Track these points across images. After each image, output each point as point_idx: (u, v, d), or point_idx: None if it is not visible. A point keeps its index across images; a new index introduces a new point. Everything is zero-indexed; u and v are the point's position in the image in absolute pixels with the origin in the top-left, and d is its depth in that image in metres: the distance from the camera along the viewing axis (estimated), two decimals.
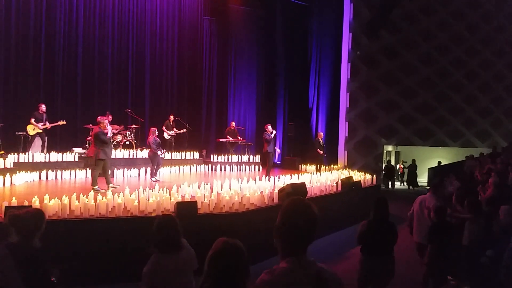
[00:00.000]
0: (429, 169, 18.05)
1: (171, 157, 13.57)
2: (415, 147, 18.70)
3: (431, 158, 19.60)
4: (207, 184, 8.44)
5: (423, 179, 19.02)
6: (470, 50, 17.77)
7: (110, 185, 8.74)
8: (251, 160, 14.79)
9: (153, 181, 10.44)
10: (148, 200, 6.42)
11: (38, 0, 13.41)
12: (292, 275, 1.84)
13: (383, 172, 17.57)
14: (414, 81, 17.11)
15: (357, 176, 11.47)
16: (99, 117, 8.85)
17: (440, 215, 5.06)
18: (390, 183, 17.79)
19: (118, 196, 6.52)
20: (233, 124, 15.59)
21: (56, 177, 10.52)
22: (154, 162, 10.66)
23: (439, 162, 18.33)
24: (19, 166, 9.93)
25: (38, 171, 10.31)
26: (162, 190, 7.37)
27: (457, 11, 17.67)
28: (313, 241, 1.94)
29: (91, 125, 12.14)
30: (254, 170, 14.47)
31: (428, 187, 17.22)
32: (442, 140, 17.66)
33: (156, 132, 10.79)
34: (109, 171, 9.28)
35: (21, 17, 13.07)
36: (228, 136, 15.05)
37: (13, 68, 12.91)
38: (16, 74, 12.97)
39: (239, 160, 14.61)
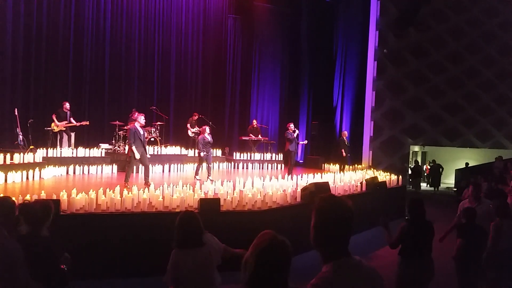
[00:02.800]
0: (457, 170, 17.59)
1: (194, 154, 13.69)
2: (443, 148, 18.26)
3: (459, 159, 19.11)
4: (229, 181, 8.47)
5: (450, 180, 18.56)
6: (501, 48, 17.18)
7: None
8: (273, 158, 14.75)
9: (209, 179, 9.78)
10: (172, 196, 6.49)
11: (67, 0, 13.75)
12: (337, 282, 1.77)
13: (410, 173, 17.23)
14: (442, 80, 16.67)
15: (382, 176, 11.27)
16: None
17: (469, 217, 4.92)
18: (417, 184, 17.42)
19: (143, 192, 6.62)
20: (255, 122, 15.57)
21: (83, 172, 10.76)
22: (200, 161, 10.24)
23: (467, 164, 17.84)
24: (47, 161, 10.21)
25: (66, 166, 10.56)
26: (186, 186, 7.44)
27: (488, 8, 17.10)
28: (350, 237, 1.87)
29: (117, 122, 12.38)
30: (277, 168, 14.43)
31: (455, 189, 16.81)
32: (470, 141, 17.16)
33: (207, 130, 10.37)
34: (135, 167, 9.39)
35: (51, 16, 13.40)
36: (251, 134, 15.06)
37: (43, 66, 13.27)
38: (46, 71, 13.33)
39: (262, 158, 14.60)
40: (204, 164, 10.31)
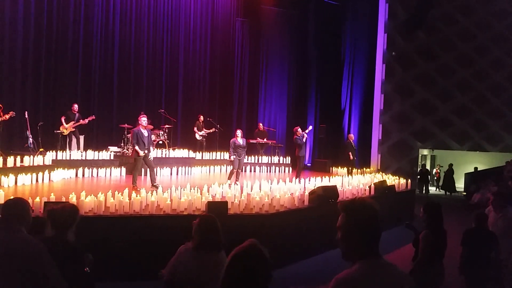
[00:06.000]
0: (466, 174, 17.41)
1: (202, 157, 13.75)
2: (452, 151, 18.09)
3: (468, 163, 18.91)
4: (237, 184, 8.47)
5: (459, 184, 18.38)
6: (511, 50, 17.01)
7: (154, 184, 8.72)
8: (281, 162, 14.73)
9: (237, 184, 9.48)
10: (180, 199, 6.50)
11: (77, 3, 13.88)
12: (365, 279, 1.81)
13: (418, 177, 17.10)
14: (452, 83, 16.56)
15: (391, 180, 11.20)
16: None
17: (480, 222, 4.85)
18: (424, 187, 17.30)
19: (152, 194, 6.64)
20: (261, 125, 15.57)
21: (92, 175, 10.82)
22: (233, 165, 9.99)
23: (476, 168, 17.64)
24: (57, 163, 10.27)
25: (75, 169, 10.63)
26: (194, 189, 7.45)
27: (497, 11, 16.95)
28: (379, 239, 1.92)
29: (126, 125, 12.45)
30: (284, 171, 14.41)
31: (464, 193, 16.63)
32: (480, 145, 16.99)
33: (239, 134, 10.05)
34: (142, 169, 9.39)
35: (61, 21, 13.55)
36: (258, 138, 15.07)
37: (53, 69, 13.40)
38: (55, 75, 13.46)
39: (269, 161, 14.58)
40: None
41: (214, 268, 3.22)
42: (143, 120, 8.69)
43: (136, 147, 8.47)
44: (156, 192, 7.00)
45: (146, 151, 8.52)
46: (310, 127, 12.31)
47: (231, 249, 3.36)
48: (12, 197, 3.23)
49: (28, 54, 12.82)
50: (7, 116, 9.74)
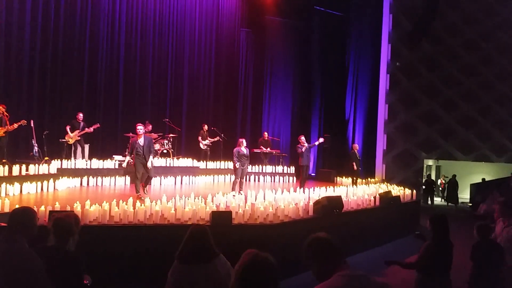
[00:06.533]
0: (472, 185, 17.29)
1: (206, 166, 13.74)
2: (457, 162, 18.00)
3: (473, 174, 18.79)
4: (241, 194, 8.44)
5: (465, 195, 18.24)
6: None
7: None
8: (285, 171, 14.70)
9: (241, 193, 9.38)
10: (184, 208, 6.49)
11: (83, 13, 14.01)
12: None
13: (423, 187, 17.01)
14: (456, 93, 16.52)
15: (396, 190, 11.14)
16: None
17: (483, 233, 4.80)
18: (429, 198, 17.18)
19: (156, 204, 6.64)
20: (266, 134, 15.59)
21: (96, 184, 10.84)
22: (236, 175, 9.94)
23: (483, 179, 17.50)
24: (62, 172, 10.29)
25: (79, 177, 10.66)
26: (198, 199, 7.44)
27: (503, 21, 16.98)
28: (342, 255, 2.19)
29: (131, 134, 12.48)
30: (288, 181, 14.37)
31: (470, 204, 16.51)
32: (485, 155, 16.88)
33: (244, 143, 10.05)
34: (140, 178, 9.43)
35: (67, 29, 13.68)
36: (261, 147, 15.07)
37: (59, 78, 13.49)
38: (61, 84, 13.55)
39: (273, 171, 14.56)
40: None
41: (203, 279, 3.19)
42: (139, 129, 8.73)
43: (129, 157, 8.74)
44: (158, 202, 6.97)
45: (143, 162, 8.56)
46: (321, 140, 11.94)
47: (234, 259, 3.35)
48: (20, 206, 3.22)
49: (34, 64, 12.92)
50: (15, 125, 9.81)
